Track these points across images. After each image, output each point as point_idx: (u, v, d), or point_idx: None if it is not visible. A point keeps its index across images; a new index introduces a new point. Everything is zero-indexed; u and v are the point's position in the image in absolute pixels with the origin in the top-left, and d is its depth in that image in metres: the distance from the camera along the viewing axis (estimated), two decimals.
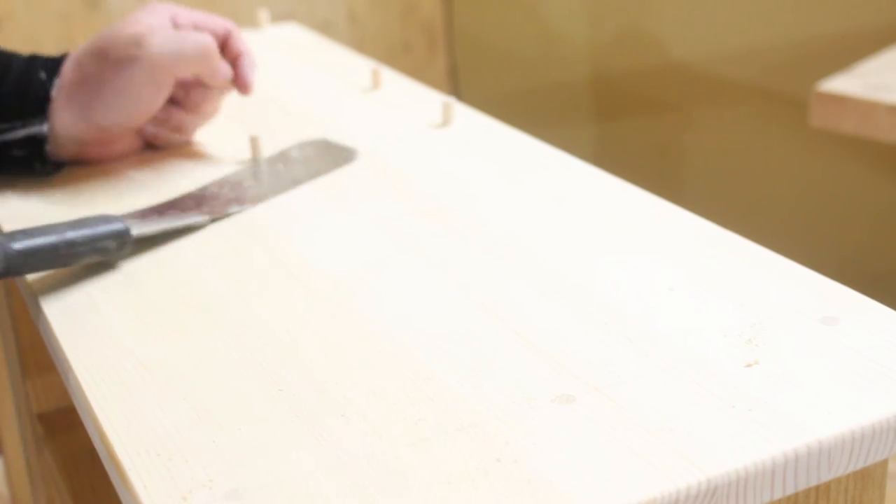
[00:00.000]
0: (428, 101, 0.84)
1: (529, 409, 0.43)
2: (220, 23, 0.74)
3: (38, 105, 0.69)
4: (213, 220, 0.63)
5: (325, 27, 2.00)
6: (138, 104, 0.70)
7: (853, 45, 1.47)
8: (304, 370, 0.47)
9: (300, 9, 1.99)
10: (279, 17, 1.89)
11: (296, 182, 0.69)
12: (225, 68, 0.73)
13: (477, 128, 0.78)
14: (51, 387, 0.91)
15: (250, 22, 1.14)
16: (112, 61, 0.68)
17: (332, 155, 0.73)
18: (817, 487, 0.44)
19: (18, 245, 0.53)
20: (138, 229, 0.59)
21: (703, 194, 1.82)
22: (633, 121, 1.93)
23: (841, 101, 1.03)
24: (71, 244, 0.55)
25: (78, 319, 0.52)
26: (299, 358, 0.48)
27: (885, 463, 0.45)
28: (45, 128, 0.68)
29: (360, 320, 0.51)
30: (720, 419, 0.41)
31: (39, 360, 0.90)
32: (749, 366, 0.45)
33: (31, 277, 0.57)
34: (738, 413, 0.42)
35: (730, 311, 0.50)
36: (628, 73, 1.89)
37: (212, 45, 0.70)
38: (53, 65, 0.70)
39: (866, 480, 0.45)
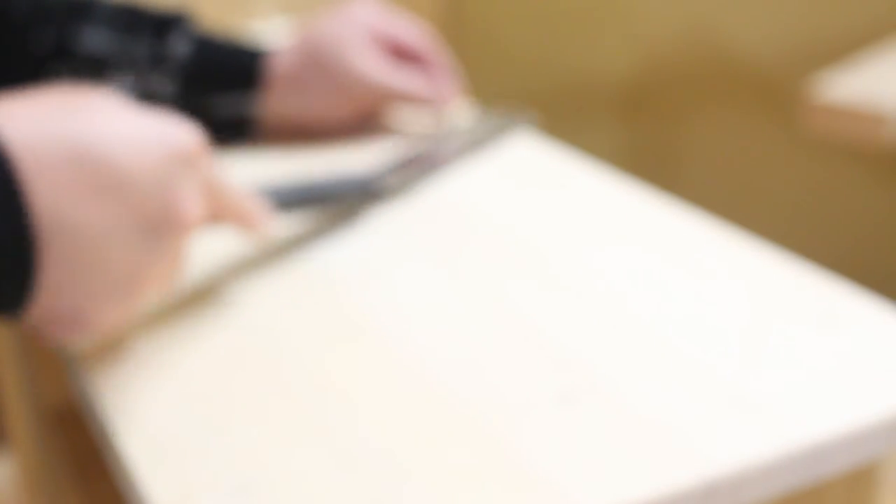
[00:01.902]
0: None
1: (531, 408, 0.43)
2: (411, 35, 0.78)
3: (247, 86, 0.74)
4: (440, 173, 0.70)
5: None
6: (342, 113, 0.76)
7: (852, 46, 1.47)
8: (308, 368, 0.47)
9: (299, 8, 1.99)
10: (279, 16, 1.88)
11: (482, 145, 0.74)
12: (423, 96, 0.77)
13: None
14: (59, 382, 0.92)
15: (251, 21, 1.14)
16: (324, 84, 0.75)
17: (507, 121, 0.78)
18: (814, 485, 0.45)
19: (287, 187, 0.60)
20: (380, 184, 0.64)
21: (700, 195, 1.82)
22: (632, 120, 1.93)
23: (835, 107, 1.03)
24: (328, 190, 0.62)
25: None
26: (304, 356, 0.48)
27: (880, 462, 0.45)
28: (251, 109, 0.75)
29: (364, 319, 0.51)
30: (718, 417, 0.42)
31: (48, 355, 0.90)
32: (747, 364, 0.45)
33: None
34: (735, 411, 0.42)
35: (728, 309, 0.50)
36: (628, 73, 1.89)
37: (415, 90, 0.76)
38: (253, 54, 0.75)
39: (861, 480, 0.46)
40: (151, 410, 0.45)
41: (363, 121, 0.78)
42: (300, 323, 0.51)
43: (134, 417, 0.44)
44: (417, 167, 0.68)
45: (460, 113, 0.81)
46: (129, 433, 0.43)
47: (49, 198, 0.41)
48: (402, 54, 0.78)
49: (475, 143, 0.74)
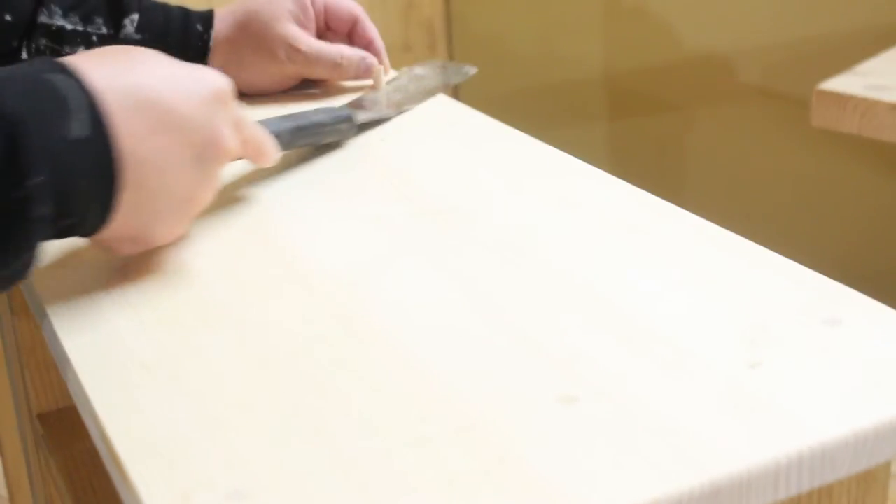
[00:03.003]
0: (429, 101, 0.84)
1: (532, 409, 0.43)
2: (348, 9, 0.86)
3: (198, 54, 0.82)
4: (399, 114, 0.79)
5: None
6: (276, 83, 0.85)
7: (853, 46, 1.47)
8: (305, 370, 0.47)
9: None
10: None
11: (430, 93, 0.83)
12: (352, 68, 0.84)
13: (478, 128, 0.78)
14: (51, 386, 0.91)
15: None
16: (257, 53, 0.82)
17: (451, 71, 0.88)
18: (819, 489, 0.44)
19: (289, 125, 0.67)
20: (358, 117, 0.74)
21: (703, 194, 1.82)
22: (632, 121, 1.93)
23: (842, 101, 1.03)
24: (320, 125, 0.71)
25: (79, 319, 0.52)
26: (300, 357, 0.48)
27: (887, 465, 0.45)
28: None
29: (363, 319, 0.51)
30: (723, 420, 0.41)
31: (39, 359, 0.90)
32: (752, 367, 0.45)
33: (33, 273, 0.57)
34: (740, 414, 0.42)
35: (732, 311, 0.50)
36: (628, 74, 1.89)
37: (342, 61, 0.84)
38: (207, 18, 0.82)
39: (869, 482, 0.45)
40: (147, 412, 0.44)
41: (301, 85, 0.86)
42: (301, 328, 0.51)
43: (129, 417, 0.44)
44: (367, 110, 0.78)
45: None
46: (125, 434, 0.43)
47: (125, 134, 0.49)
48: (333, 26, 0.86)
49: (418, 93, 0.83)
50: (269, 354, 0.48)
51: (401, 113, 0.80)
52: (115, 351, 0.49)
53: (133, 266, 0.58)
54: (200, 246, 0.60)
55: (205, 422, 0.43)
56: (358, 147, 0.74)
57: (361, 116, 0.75)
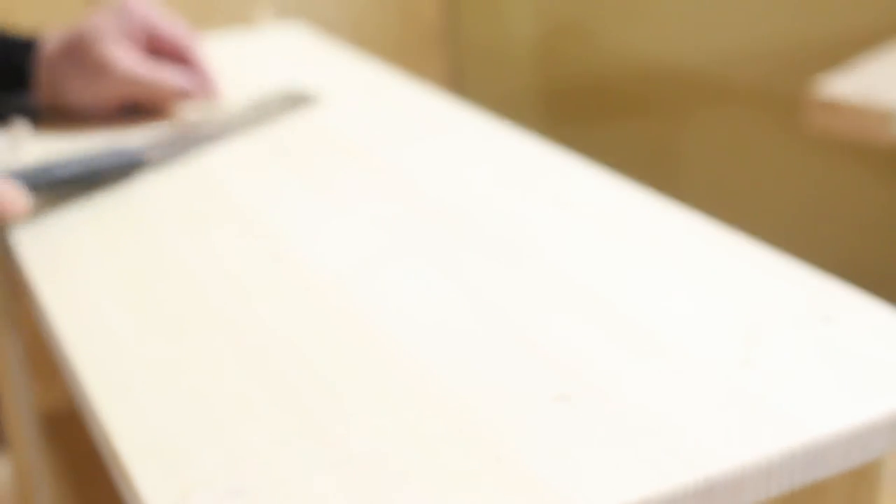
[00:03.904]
0: (427, 101, 0.84)
1: (528, 408, 0.43)
2: (173, 32, 0.83)
3: (16, 85, 0.81)
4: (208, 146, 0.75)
5: (325, 27, 2.00)
6: (103, 103, 0.82)
7: (852, 46, 1.47)
8: (305, 369, 0.47)
9: (300, 8, 1.99)
10: (279, 16, 1.89)
11: (256, 122, 0.80)
12: (175, 88, 0.82)
13: (478, 128, 0.78)
14: (56, 387, 0.91)
15: (251, 22, 1.14)
16: (80, 72, 0.80)
17: (294, 99, 0.84)
18: (813, 485, 0.45)
19: (56, 173, 0.66)
20: (152, 157, 0.72)
21: (701, 194, 1.82)
22: (632, 121, 1.93)
23: (838, 104, 1.03)
24: (96, 172, 0.68)
25: (81, 320, 0.53)
26: (300, 357, 0.48)
27: (881, 461, 0.45)
28: (29, 102, 0.81)
29: (361, 319, 0.51)
30: (717, 417, 0.42)
31: (45, 360, 0.90)
32: (746, 364, 0.45)
33: (31, 267, 0.57)
34: (735, 411, 0.42)
35: (727, 309, 0.50)
36: (628, 74, 1.89)
37: (160, 82, 0.81)
38: (29, 46, 0.81)
39: (862, 478, 0.46)
40: (148, 411, 0.44)
41: (134, 110, 0.84)
42: (300, 327, 0.51)
43: (130, 417, 0.44)
44: (182, 142, 0.75)
45: (241, 96, 0.86)
46: (126, 433, 0.43)
47: None
48: (165, 51, 0.83)
49: (248, 121, 0.80)
50: (268, 354, 0.48)
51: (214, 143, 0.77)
52: (117, 351, 0.49)
53: (134, 267, 0.58)
54: (200, 246, 0.60)
55: (205, 421, 0.43)
56: (357, 147, 0.74)
57: (157, 154, 0.72)
